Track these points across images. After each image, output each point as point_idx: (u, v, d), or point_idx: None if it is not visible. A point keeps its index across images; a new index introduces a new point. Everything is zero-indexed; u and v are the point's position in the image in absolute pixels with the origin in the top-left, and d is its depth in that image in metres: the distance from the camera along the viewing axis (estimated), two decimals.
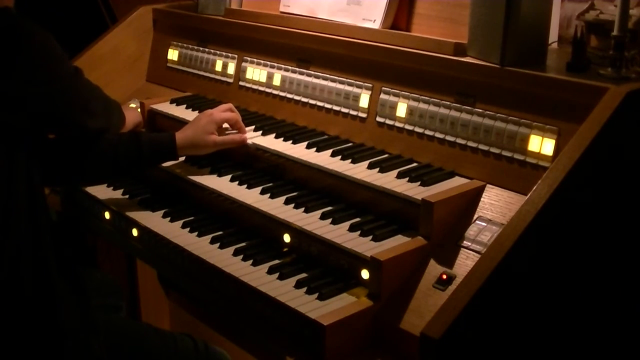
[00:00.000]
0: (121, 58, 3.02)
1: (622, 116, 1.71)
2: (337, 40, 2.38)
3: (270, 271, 1.93)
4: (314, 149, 2.24)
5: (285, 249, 2.04)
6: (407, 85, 2.18)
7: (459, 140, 2.03)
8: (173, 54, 2.98)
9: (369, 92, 2.27)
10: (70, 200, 2.54)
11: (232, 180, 2.26)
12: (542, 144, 1.86)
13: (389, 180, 2.01)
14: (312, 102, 2.43)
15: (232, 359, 2.48)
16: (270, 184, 2.21)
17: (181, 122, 2.45)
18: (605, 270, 1.84)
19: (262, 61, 2.61)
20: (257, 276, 1.92)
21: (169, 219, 2.24)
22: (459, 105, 2.05)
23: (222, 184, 2.25)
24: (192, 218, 2.23)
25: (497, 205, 1.87)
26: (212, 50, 2.82)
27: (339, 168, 2.11)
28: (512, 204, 1.84)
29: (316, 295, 1.81)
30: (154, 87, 3.02)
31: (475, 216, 1.87)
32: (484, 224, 1.83)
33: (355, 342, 1.75)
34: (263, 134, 2.38)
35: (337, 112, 2.35)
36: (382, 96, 2.23)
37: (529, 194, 1.65)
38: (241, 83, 2.69)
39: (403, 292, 1.78)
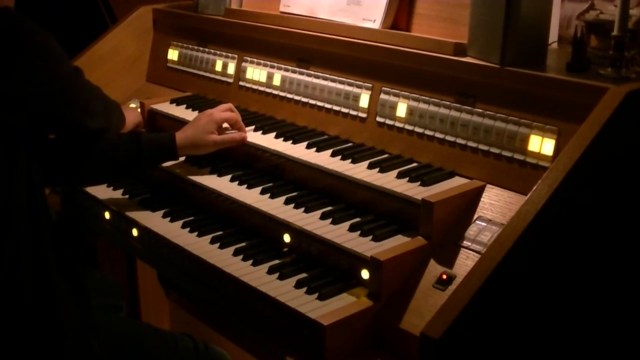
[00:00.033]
0: (121, 58, 3.02)
1: (622, 116, 1.71)
2: (337, 40, 2.38)
3: (270, 271, 1.93)
4: (314, 149, 2.24)
5: (285, 249, 2.04)
6: (407, 85, 2.18)
7: (459, 140, 2.03)
8: (173, 54, 2.98)
9: (369, 92, 2.27)
10: (70, 200, 2.54)
11: (232, 180, 2.26)
12: (542, 144, 1.86)
13: (389, 180, 2.01)
14: (312, 102, 2.43)
15: (232, 359, 2.48)
16: (270, 184, 2.21)
17: (181, 122, 2.45)
18: (605, 270, 1.84)
19: (262, 61, 2.61)
20: (257, 276, 1.92)
21: (169, 219, 2.24)
22: (459, 105, 2.05)
23: (222, 184, 2.25)
24: (192, 218, 2.23)
25: (497, 205, 1.87)
26: (212, 50, 2.82)
27: (339, 168, 2.11)
28: (512, 204, 1.84)
29: (316, 295, 1.81)
30: (154, 87, 3.02)
31: (475, 216, 1.87)
32: (484, 224, 1.83)
33: (355, 342, 1.75)
34: (263, 134, 2.38)
35: (337, 112, 2.35)
36: (382, 96, 2.23)
37: (529, 194, 1.65)
38: (241, 83, 2.69)
39: (403, 292, 1.78)
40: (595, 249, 1.79)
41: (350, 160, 2.14)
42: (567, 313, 1.78)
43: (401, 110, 2.17)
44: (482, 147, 1.98)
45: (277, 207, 2.09)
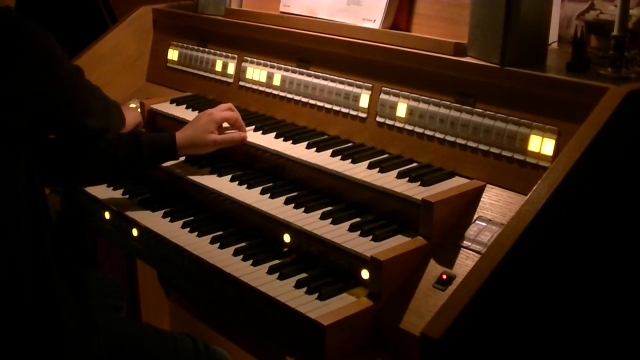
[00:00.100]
0: (121, 58, 3.02)
1: (622, 116, 1.71)
2: (337, 40, 2.38)
3: (270, 271, 1.93)
4: (314, 149, 2.24)
5: (285, 249, 2.04)
6: (407, 85, 2.18)
7: (459, 140, 2.03)
8: (173, 54, 2.98)
9: (369, 92, 2.27)
10: (70, 200, 2.54)
11: (232, 180, 2.26)
12: (542, 144, 1.86)
13: (389, 180, 2.01)
14: (312, 102, 2.43)
15: (232, 359, 2.48)
16: (270, 184, 2.21)
17: (181, 122, 2.45)
18: (605, 270, 1.84)
19: (262, 61, 2.61)
20: (257, 276, 1.92)
21: (169, 219, 2.24)
22: (459, 105, 2.05)
23: (222, 184, 2.25)
24: (192, 218, 2.23)
25: (497, 205, 1.87)
26: (212, 50, 2.82)
27: (339, 168, 2.11)
28: (512, 204, 1.84)
29: (316, 295, 1.81)
30: (154, 87, 3.02)
31: (475, 216, 1.87)
32: (484, 224, 1.83)
33: (355, 342, 1.75)
34: (263, 134, 2.38)
35: (337, 112, 2.35)
36: (382, 96, 2.23)
37: (529, 194, 1.65)
38: (241, 83, 2.69)
39: (403, 292, 1.78)
40: (595, 249, 1.79)
41: (350, 160, 2.14)
42: (567, 313, 1.78)
43: (401, 110, 2.17)
44: (482, 147, 1.98)
45: (277, 207, 2.09)
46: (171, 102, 2.73)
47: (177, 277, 2.16)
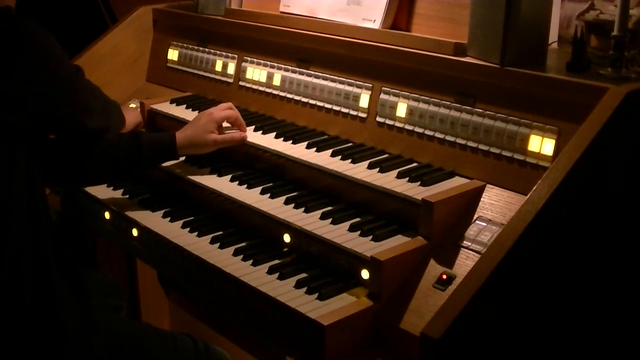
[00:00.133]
0: (121, 58, 3.02)
1: (622, 116, 1.71)
2: (337, 40, 2.38)
3: (270, 271, 1.93)
4: (314, 149, 2.24)
5: (285, 249, 2.04)
6: (407, 85, 2.18)
7: (459, 140, 2.03)
8: (173, 54, 2.98)
9: (369, 92, 2.27)
10: (70, 200, 2.54)
11: (232, 180, 2.26)
12: (542, 144, 1.86)
13: (389, 180, 2.01)
14: (312, 102, 2.43)
15: (232, 359, 2.48)
16: (270, 184, 2.21)
17: (181, 122, 2.45)
18: (605, 270, 1.84)
19: (262, 61, 2.61)
20: (257, 276, 1.92)
21: (169, 219, 2.24)
22: (459, 105, 2.05)
23: (222, 184, 2.25)
24: (192, 218, 2.23)
25: (497, 205, 1.87)
26: (212, 50, 2.82)
27: (339, 168, 2.11)
28: (512, 204, 1.84)
29: (316, 295, 1.81)
30: (154, 87, 3.02)
31: (475, 216, 1.87)
32: (484, 224, 1.83)
33: (355, 342, 1.75)
34: (263, 134, 2.38)
35: (337, 112, 2.35)
36: (382, 96, 2.23)
37: (529, 194, 1.65)
38: (241, 83, 2.69)
39: (403, 292, 1.78)
40: (595, 249, 1.79)
41: (350, 160, 2.14)
42: (567, 313, 1.78)
43: (401, 110, 2.17)
44: (482, 147, 1.98)
45: (277, 207, 2.09)
46: (171, 102, 2.73)
47: (177, 277, 2.16)
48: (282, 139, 2.33)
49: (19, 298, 1.94)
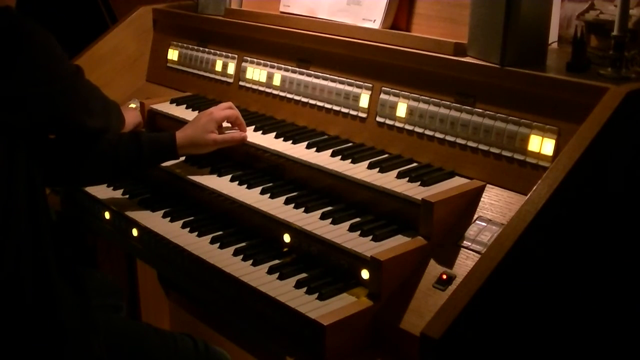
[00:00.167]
0: (121, 58, 3.02)
1: (622, 116, 1.71)
2: (337, 40, 2.38)
3: (270, 271, 1.93)
4: (314, 149, 2.24)
5: (285, 249, 2.04)
6: (407, 85, 2.18)
7: (459, 140, 2.03)
8: (173, 54, 2.98)
9: (369, 92, 2.27)
10: (70, 200, 2.54)
11: (232, 180, 2.26)
12: (542, 144, 1.86)
13: (389, 180, 2.01)
14: (312, 102, 2.43)
15: (232, 359, 2.48)
16: (270, 184, 2.21)
17: (181, 122, 2.45)
18: (605, 270, 1.84)
19: (262, 61, 2.61)
20: (257, 276, 1.92)
21: (169, 219, 2.24)
22: (459, 105, 2.05)
23: (222, 184, 2.25)
24: (192, 218, 2.23)
25: (497, 205, 1.87)
26: (212, 50, 2.82)
27: (339, 168, 2.11)
28: (512, 204, 1.84)
29: (316, 295, 1.81)
30: (154, 87, 3.02)
31: (475, 216, 1.87)
32: (484, 224, 1.83)
33: (355, 342, 1.75)
34: (263, 134, 2.38)
35: (337, 112, 2.35)
36: (382, 96, 2.23)
37: (529, 194, 1.65)
38: (241, 83, 2.69)
39: (403, 292, 1.78)
40: (595, 249, 1.79)
41: (350, 160, 2.14)
42: (567, 313, 1.78)
43: (401, 110, 2.17)
44: (482, 147, 1.98)
45: (277, 207, 2.09)
46: (171, 102, 2.73)
47: (177, 277, 2.16)
48: (282, 139, 2.33)
49: (19, 298, 1.94)
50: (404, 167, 2.08)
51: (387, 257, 1.78)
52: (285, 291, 1.84)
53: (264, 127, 2.41)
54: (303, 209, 2.05)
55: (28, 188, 1.96)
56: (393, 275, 1.78)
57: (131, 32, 3.05)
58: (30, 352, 1.96)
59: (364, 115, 2.28)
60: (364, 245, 1.87)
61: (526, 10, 1.93)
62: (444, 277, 1.76)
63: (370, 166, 2.09)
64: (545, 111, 1.88)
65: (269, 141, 2.33)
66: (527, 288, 1.66)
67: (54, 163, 2.15)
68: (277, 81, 2.54)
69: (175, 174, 2.36)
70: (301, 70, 2.48)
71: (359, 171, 2.08)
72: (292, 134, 2.34)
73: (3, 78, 1.88)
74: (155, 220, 2.24)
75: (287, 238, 2.04)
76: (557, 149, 1.83)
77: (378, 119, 2.24)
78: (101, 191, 2.45)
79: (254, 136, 2.37)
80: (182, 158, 2.36)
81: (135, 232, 2.26)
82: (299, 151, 2.24)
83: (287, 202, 2.10)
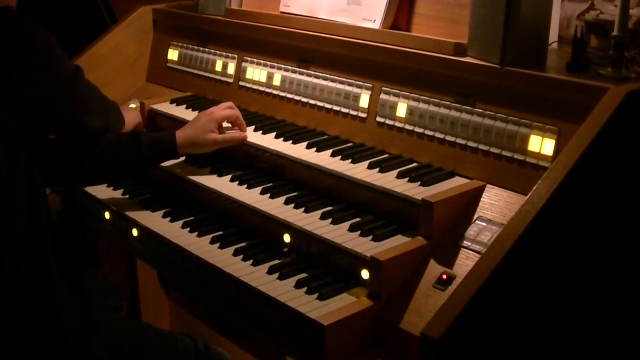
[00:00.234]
0: (121, 58, 3.02)
1: (622, 116, 1.71)
2: (337, 40, 2.38)
3: (270, 271, 1.93)
4: (314, 149, 2.24)
5: (285, 249, 2.04)
6: (407, 85, 2.18)
7: (459, 140, 2.03)
8: (173, 54, 2.98)
9: (369, 92, 2.27)
10: (70, 200, 2.54)
11: (232, 180, 2.26)
12: (542, 144, 1.86)
13: (389, 180, 2.01)
14: (312, 102, 2.43)
15: (232, 359, 2.48)
16: (270, 184, 2.21)
17: (181, 122, 2.45)
18: (605, 270, 1.84)
19: (262, 61, 2.61)
20: (257, 276, 1.92)
21: (169, 219, 2.24)
22: (459, 105, 2.05)
23: (222, 184, 2.25)
24: (192, 218, 2.23)
25: (497, 205, 1.87)
26: (212, 50, 2.82)
27: (339, 168, 2.11)
28: (512, 204, 1.84)
29: (316, 295, 1.81)
30: (154, 87, 3.02)
31: (475, 216, 1.87)
32: (484, 224, 1.83)
33: (355, 342, 1.75)
34: (263, 134, 2.38)
35: (337, 112, 2.35)
36: (382, 96, 2.23)
37: (529, 194, 1.65)
38: (241, 83, 2.69)
39: (403, 292, 1.78)
40: (595, 249, 1.79)
41: (350, 160, 2.14)
42: (567, 313, 1.78)
43: (401, 110, 2.17)
44: (482, 147, 1.98)
45: (277, 207, 2.09)
46: (171, 102, 2.73)
47: (177, 277, 2.16)
48: (282, 139, 2.33)
49: (19, 298, 1.94)
50: (404, 167, 2.08)
51: (387, 257, 1.78)
52: (285, 291, 1.84)
53: (264, 127, 2.41)
54: (303, 209, 2.05)
55: (28, 188, 1.96)
56: (393, 275, 1.78)
57: (131, 32, 3.05)
58: (30, 352, 1.96)
59: (364, 115, 2.28)
60: (364, 245, 1.87)
61: (526, 10, 1.93)
62: (444, 277, 1.76)
63: (370, 166, 2.09)
64: (545, 111, 1.88)
65: (269, 141, 2.33)
66: (527, 288, 1.66)
67: (54, 163, 2.15)
68: (277, 81, 2.54)
69: (175, 174, 2.36)
70: (301, 70, 2.48)
71: (359, 171, 2.08)
72: (292, 134, 2.34)
73: (3, 78, 1.88)
74: (155, 220, 2.24)
75: (287, 238, 2.04)
76: (557, 149, 1.83)
77: (378, 119, 2.24)
78: (101, 191, 2.45)
79: (254, 136, 2.37)
80: (182, 158, 2.36)
81: (135, 232, 2.26)
82: (299, 151, 2.24)
83: (287, 202, 2.10)
